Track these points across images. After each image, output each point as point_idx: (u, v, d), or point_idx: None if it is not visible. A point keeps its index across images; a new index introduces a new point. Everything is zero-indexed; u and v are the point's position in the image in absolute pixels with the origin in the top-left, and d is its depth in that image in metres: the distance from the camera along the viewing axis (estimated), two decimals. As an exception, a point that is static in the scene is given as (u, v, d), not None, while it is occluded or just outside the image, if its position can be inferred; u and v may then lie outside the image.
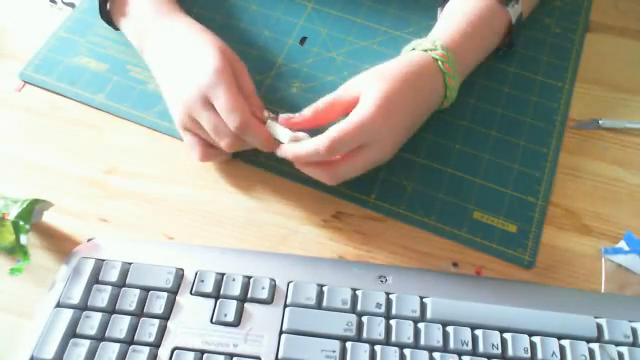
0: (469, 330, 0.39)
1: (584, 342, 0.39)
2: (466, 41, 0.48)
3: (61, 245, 0.44)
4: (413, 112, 0.45)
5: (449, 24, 0.49)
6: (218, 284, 0.41)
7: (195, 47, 0.45)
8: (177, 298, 0.40)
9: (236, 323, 0.39)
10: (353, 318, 0.39)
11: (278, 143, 0.44)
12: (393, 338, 0.38)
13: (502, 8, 0.50)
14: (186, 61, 0.45)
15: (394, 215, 0.47)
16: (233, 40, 0.54)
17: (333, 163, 0.43)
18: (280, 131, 0.44)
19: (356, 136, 0.41)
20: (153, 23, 0.48)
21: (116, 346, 0.38)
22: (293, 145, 0.43)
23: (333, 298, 0.40)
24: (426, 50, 0.46)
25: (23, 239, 0.41)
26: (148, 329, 0.39)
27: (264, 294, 0.40)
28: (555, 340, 0.39)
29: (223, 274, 0.41)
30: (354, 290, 0.41)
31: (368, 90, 0.43)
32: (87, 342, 0.38)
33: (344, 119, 0.42)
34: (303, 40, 0.55)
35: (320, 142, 0.41)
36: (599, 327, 0.40)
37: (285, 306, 0.40)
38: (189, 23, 0.48)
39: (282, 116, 0.44)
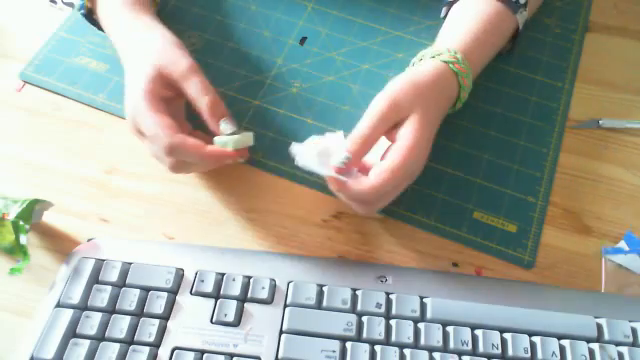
0: (469, 330, 0.39)
1: (584, 342, 0.39)
2: (478, 49, 0.48)
3: (61, 245, 0.44)
4: (438, 125, 0.46)
5: (462, 31, 0.48)
6: (218, 284, 0.41)
7: (134, 61, 0.44)
8: (177, 298, 0.40)
9: (236, 323, 0.39)
10: (353, 318, 0.39)
11: (224, 157, 0.41)
12: (393, 338, 0.38)
13: (511, 15, 0.49)
14: (128, 75, 0.44)
15: (394, 215, 0.47)
16: (233, 40, 0.55)
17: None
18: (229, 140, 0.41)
19: (402, 181, 0.41)
20: (119, 21, 0.47)
21: (116, 346, 0.38)
22: (338, 178, 0.40)
23: (333, 298, 0.40)
24: (447, 62, 0.45)
25: (23, 239, 0.41)
26: (148, 329, 0.39)
27: (264, 294, 0.40)
28: (555, 340, 0.39)
29: (223, 274, 0.41)
30: (354, 290, 0.41)
31: (409, 120, 0.42)
32: (87, 342, 0.38)
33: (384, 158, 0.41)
34: (303, 40, 0.55)
35: (365, 193, 0.39)
36: (599, 327, 0.40)
37: (285, 306, 0.40)
38: (147, 24, 0.46)
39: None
